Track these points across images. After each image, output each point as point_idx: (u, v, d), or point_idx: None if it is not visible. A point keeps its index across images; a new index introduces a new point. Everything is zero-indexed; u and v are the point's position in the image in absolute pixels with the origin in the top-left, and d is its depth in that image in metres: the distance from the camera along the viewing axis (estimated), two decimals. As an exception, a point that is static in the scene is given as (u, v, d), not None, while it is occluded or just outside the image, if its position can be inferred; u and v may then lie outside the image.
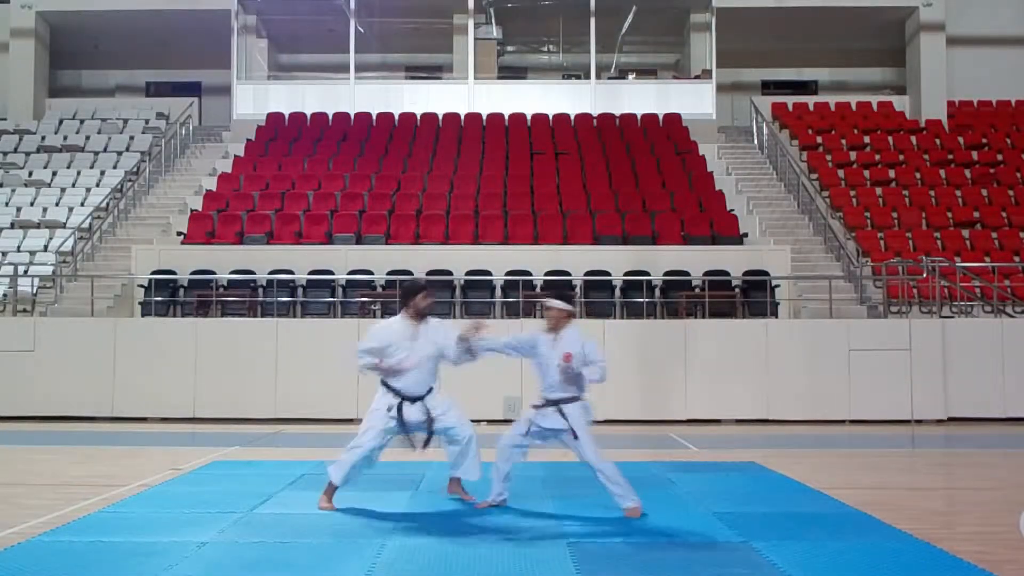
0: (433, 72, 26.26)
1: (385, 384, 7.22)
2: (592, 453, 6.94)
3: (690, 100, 22.97)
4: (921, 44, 23.87)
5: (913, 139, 22.69)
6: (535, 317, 15.42)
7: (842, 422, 14.24)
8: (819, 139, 22.70)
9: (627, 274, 16.06)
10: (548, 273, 16.09)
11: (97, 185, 20.87)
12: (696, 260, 16.27)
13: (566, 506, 7.32)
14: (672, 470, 9.28)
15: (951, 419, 14.36)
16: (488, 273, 16.13)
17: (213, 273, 16.10)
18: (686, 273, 16.08)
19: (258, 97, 23.43)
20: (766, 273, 16.04)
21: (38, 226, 19.29)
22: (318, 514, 7.05)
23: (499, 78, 24.69)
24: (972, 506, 7.85)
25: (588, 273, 16.09)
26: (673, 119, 22.32)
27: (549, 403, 7.02)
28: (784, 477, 8.90)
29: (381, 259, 16.43)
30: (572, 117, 22.47)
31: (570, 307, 7.20)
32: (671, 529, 6.53)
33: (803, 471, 9.50)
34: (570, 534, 6.33)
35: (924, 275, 16.31)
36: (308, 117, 22.73)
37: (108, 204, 19.85)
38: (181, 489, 8.21)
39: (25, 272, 16.97)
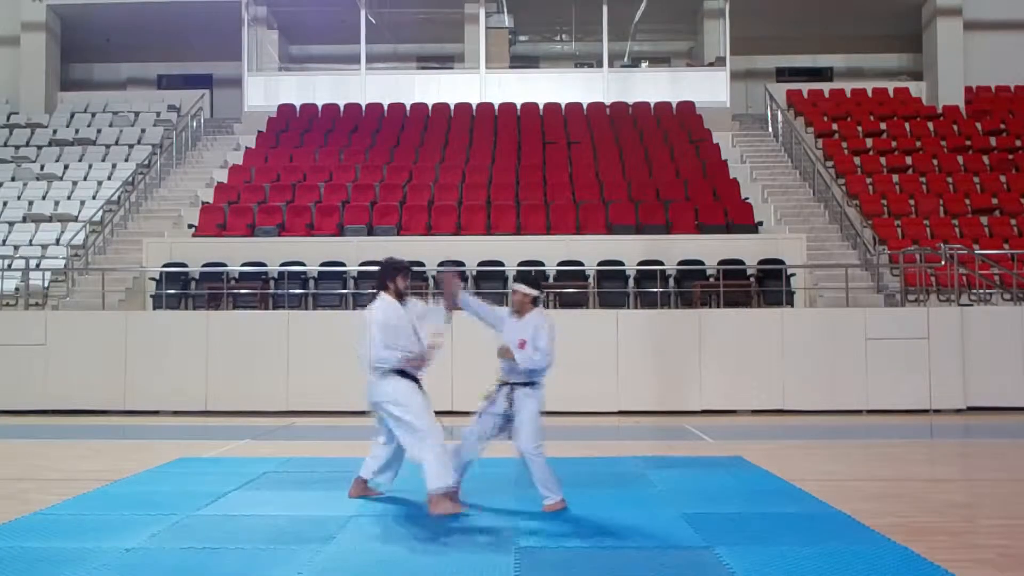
0: (445, 62, 26.17)
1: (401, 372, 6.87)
2: (527, 440, 6.76)
3: (704, 88, 22.78)
4: (938, 29, 23.62)
5: (930, 125, 22.44)
6: (547, 307, 15.33)
7: (859, 412, 14.07)
8: (835, 126, 22.47)
9: (641, 264, 15.91)
10: (561, 263, 15.97)
11: (109, 178, 20.87)
12: (710, 249, 16.11)
13: (525, 506, 6.97)
14: (652, 467, 8.88)
15: (970, 409, 14.17)
16: (500, 264, 16.00)
17: (224, 265, 16.04)
18: (700, 262, 15.92)
19: (269, 89, 23.37)
20: (781, 262, 15.87)
21: (50, 219, 19.30)
22: (262, 516, 6.70)
23: (511, 67, 24.56)
24: (993, 498, 7.70)
25: (601, 263, 15.95)
26: (687, 107, 22.14)
27: (503, 384, 6.88)
28: (766, 472, 8.55)
29: (393, 250, 15.96)
30: (585, 106, 22.31)
31: (535, 292, 6.99)
32: (631, 532, 6.20)
33: (819, 462, 9.37)
34: (522, 538, 6.01)
35: (942, 263, 16.12)
36: (319, 108, 22.65)
37: (119, 197, 19.84)
38: (130, 489, 7.85)
39: (37, 266, 16.95)
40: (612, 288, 15.82)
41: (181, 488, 7.80)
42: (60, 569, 5.30)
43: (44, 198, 20.13)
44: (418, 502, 7.01)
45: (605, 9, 23.22)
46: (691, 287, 15.47)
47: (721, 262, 15.77)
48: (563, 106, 22.27)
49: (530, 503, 7.02)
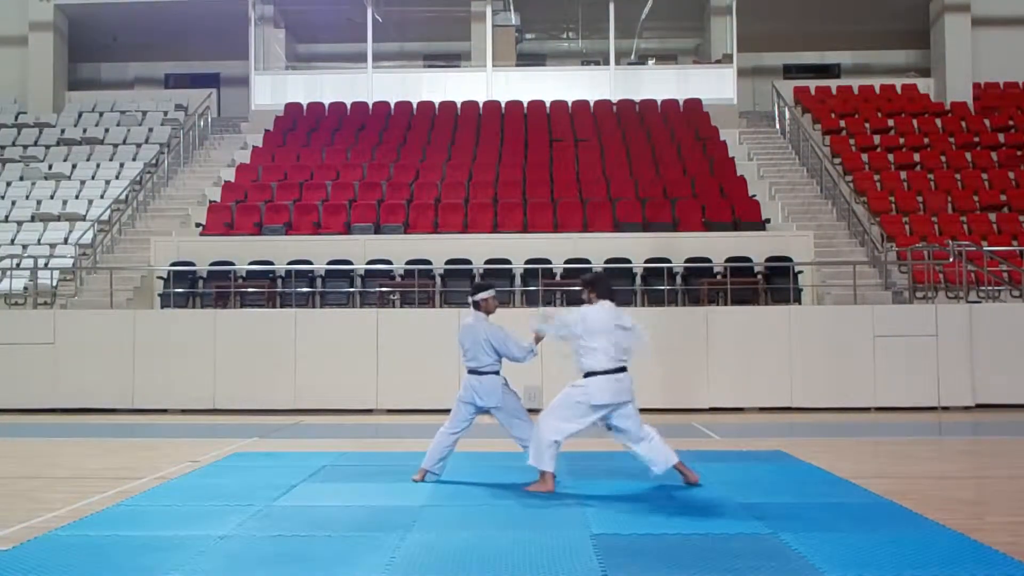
0: (451, 60, 26.16)
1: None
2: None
3: (711, 85, 22.73)
4: (946, 25, 23.54)
5: (938, 122, 22.37)
6: (554, 305, 15.31)
7: (867, 410, 14.04)
8: (842, 123, 22.42)
9: (648, 261, 15.90)
10: (568, 261, 15.95)
11: (116, 177, 20.92)
12: (718, 246, 16.09)
13: (589, 498, 7.23)
14: (697, 460, 9.05)
15: (979, 406, 14.12)
16: (507, 262, 16.00)
17: (232, 264, 16.07)
18: (708, 260, 15.90)
19: (276, 87, 23.40)
20: (789, 259, 15.85)
21: (58, 219, 19.36)
22: (338, 507, 7.00)
23: (518, 65, 24.55)
24: (1002, 495, 7.69)
25: (608, 260, 15.94)
26: (694, 105, 22.09)
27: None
28: (811, 466, 8.76)
29: (400, 249, 16.36)
30: (591, 104, 22.28)
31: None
32: (697, 521, 6.42)
33: (828, 460, 9.34)
34: (593, 526, 6.24)
35: (950, 260, 16.06)
36: (326, 107, 22.66)
37: (127, 196, 19.87)
38: (201, 481, 8.14)
39: (45, 265, 17.00)
40: (619, 286, 15.76)
41: (249, 481, 8.05)
42: (164, 555, 5.51)
43: (52, 197, 20.18)
44: (482, 494, 7.42)
45: (612, 7, 23.19)
46: (698, 285, 15.46)
47: (728, 260, 15.74)
48: (570, 104, 22.25)
49: (589, 494, 7.36)
